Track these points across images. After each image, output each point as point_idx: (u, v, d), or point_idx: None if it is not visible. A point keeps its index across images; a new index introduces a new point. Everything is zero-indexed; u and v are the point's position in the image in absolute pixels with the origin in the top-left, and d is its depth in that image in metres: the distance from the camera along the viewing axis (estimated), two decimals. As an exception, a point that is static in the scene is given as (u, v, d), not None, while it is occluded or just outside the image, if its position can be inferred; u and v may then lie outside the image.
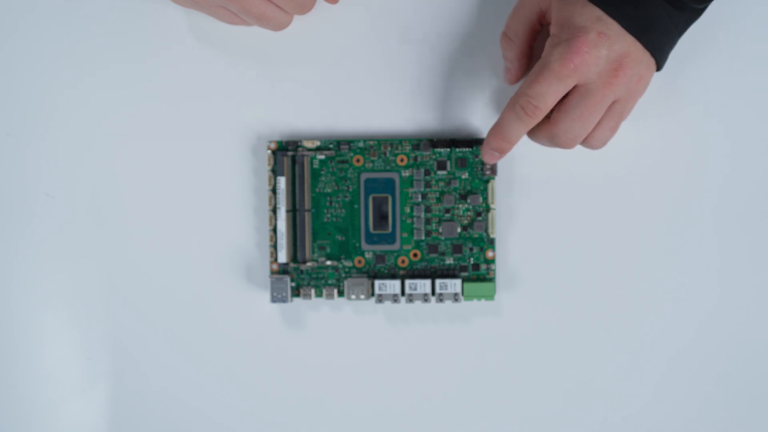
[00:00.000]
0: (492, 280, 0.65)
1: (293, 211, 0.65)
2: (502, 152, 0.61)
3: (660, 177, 0.65)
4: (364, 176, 0.65)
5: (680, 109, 0.65)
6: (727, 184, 0.65)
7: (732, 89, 0.65)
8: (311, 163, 0.65)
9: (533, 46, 0.63)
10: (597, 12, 0.57)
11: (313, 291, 0.65)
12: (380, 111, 0.65)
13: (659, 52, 0.59)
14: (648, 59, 0.59)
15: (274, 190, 0.65)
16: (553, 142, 0.60)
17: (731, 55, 0.64)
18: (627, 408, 0.65)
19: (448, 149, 0.65)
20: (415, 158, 0.65)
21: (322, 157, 0.65)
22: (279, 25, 0.62)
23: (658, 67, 0.60)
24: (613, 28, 0.57)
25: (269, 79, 0.65)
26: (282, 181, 0.65)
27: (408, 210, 0.65)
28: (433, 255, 0.65)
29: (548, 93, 0.58)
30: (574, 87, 0.58)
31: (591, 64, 0.57)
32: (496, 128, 0.60)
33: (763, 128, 0.65)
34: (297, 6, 0.62)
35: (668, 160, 0.65)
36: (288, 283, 0.64)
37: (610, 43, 0.57)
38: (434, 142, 0.65)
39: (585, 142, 0.61)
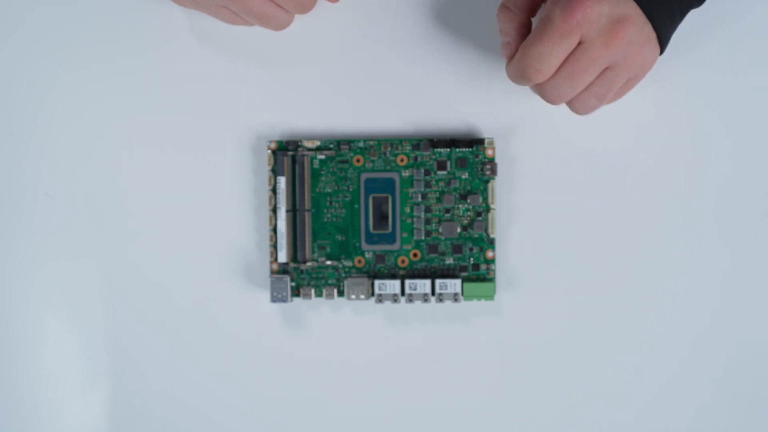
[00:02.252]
0: (492, 280, 0.65)
1: (293, 211, 0.65)
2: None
3: (660, 176, 0.65)
4: (364, 176, 0.65)
5: (680, 109, 0.65)
6: (727, 183, 0.65)
7: (733, 88, 0.64)
8: (311, 163, 0.65)
9: (532, 20, 0.61)
10: None
11: (313, 291, 0.65)
12: (380, 111, 0.65)
13: (661, 25, 0.57)
14: (649, 31, 0.57)
15: (274, 190, 0.65)
16: (540, 93, 0.59)
17: (732, 54, 0.64)
18: (627, 408, 0.65)
19: (448, 149, 0.64)
20: (415, 158, 0.65)
21: (322, 157, 0.65)
22: (280, 25, 0.62)
23: (661, 47, 0.58)
24: None
25: (269, 79, 0.65)
26: (282, 181, 0.65)
27: (408, 210, 0.65)
28: (433, 255, 0.65)
29: (552, 53, 0.56)
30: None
31: (593, 20, 0.56)
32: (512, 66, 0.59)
33: (763, 128, 0.65)
34: (298, 5, 0.61)
35: (668, 159, 0.65)
36: (288, 282, 0.64)
37: (613, 1, 0.56)
38: (434, 142, 0.64)
39: (570, 104, 0.60)
